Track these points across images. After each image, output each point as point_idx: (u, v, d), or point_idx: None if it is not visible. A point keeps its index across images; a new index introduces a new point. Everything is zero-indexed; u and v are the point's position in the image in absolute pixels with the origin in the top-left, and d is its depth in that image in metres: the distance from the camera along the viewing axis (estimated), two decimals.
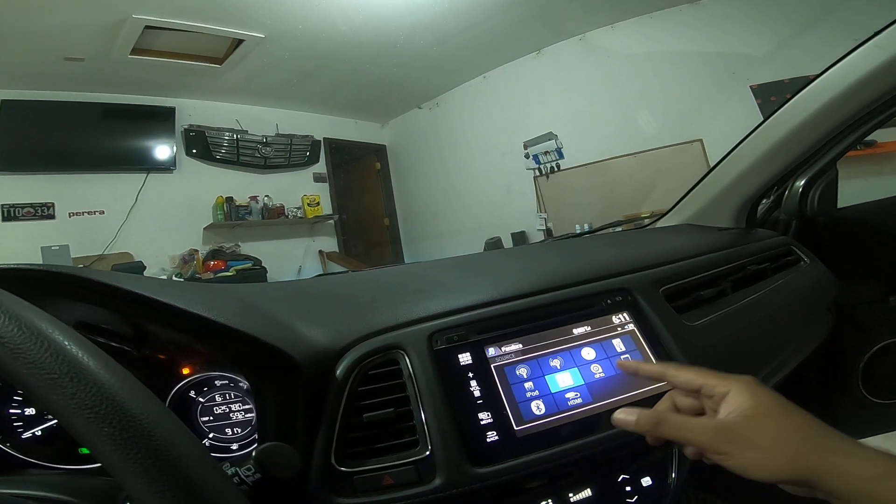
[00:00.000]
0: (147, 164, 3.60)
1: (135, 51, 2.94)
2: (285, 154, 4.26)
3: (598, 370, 0.51)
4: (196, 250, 3.65)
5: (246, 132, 4.04)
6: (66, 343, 0.21)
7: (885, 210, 0.97)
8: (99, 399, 0.20)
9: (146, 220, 3.54)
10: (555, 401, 0.48)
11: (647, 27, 3.35)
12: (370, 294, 0.59)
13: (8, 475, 0.44)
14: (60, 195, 3.26)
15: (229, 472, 0.31)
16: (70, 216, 3.29)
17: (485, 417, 0.46)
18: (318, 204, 4.38)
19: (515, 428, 0.46)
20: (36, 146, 3.13)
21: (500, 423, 0.46)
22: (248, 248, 3.93)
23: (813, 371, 0.91)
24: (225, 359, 0.45)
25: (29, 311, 0.23)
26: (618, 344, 0.54)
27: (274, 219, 4.11)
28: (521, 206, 4.05)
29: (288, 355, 0.41)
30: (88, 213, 3.36)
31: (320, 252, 4.43)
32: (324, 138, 4.58)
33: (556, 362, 0.51)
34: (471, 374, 0.48)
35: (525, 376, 0.49)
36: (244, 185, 4.03)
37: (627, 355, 0.53)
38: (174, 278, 3.43)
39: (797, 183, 0.92)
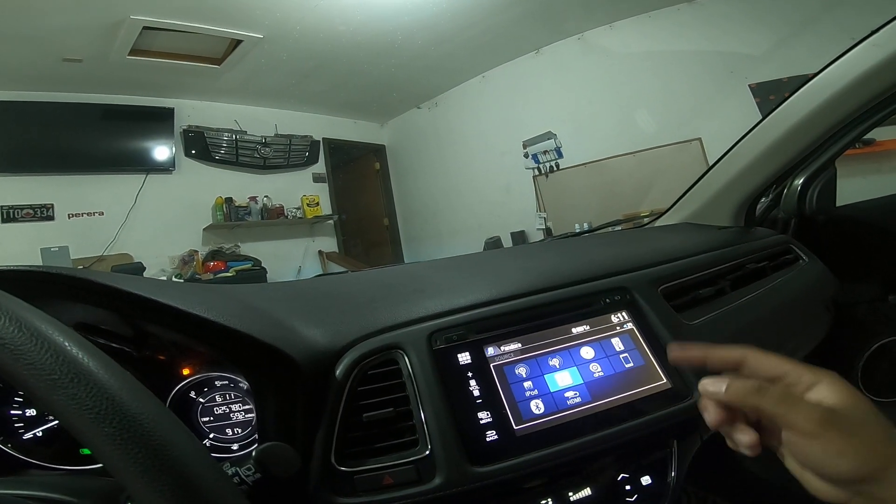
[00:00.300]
0: (146, 165, 3.59)
1: (133, 51, 2.94)
2: (284, 154, 4.26)
3: (596, 369, 0.51)
4: (196, 251, 3.65)
5: (245, 132, 4.04)
6: (67, 344, 0.22)
7: (884, 208, 0.97)
8: (99, 400, 0.20)
9: (145, 221, 3.54)
10: (554, 400, 0.48)
11: (646, 26, 3.35)
12: (369, 294, 0.59)
13: (9, 476, 0.45)
14: (60, 196, 3.26)
15: (229, 471, 0.31)
16: (69, 217, 3.29)
17: (484, 417, 0.46)
18: (317, 204, 4.38)
19: (515, 427, 0.46)
20: (35, 147, 3.13)
21: (500, 422, 0.46)
22: (247, 248, 3.94)
23: None
24: (225, 359, 0.46)
25: (29, 312, 0.23)
26: (616, 343, 0.54)
27: (273, 219, 4.11)
28: (521, 205, 4.06)
29: (287, 355, 0.41)
30: (88, 214, 3.36)
31: (320, 252, 4.43)
32: (323, 138, 4.58)
33: (555, 361, 0.51)
34: (470, 374, 0.48)
35: (524, 375, 0.49)
36: (243, 186, 4.03)
37: (627, 354, 0.53)
38: (174, 279, 3.43)
39: (796, 181, 0.92)
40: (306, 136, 4.40)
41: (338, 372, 0.46)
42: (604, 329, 0.55)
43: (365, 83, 3.96)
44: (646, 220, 1.13)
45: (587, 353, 0.52)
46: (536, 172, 3.97)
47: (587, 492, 0.48)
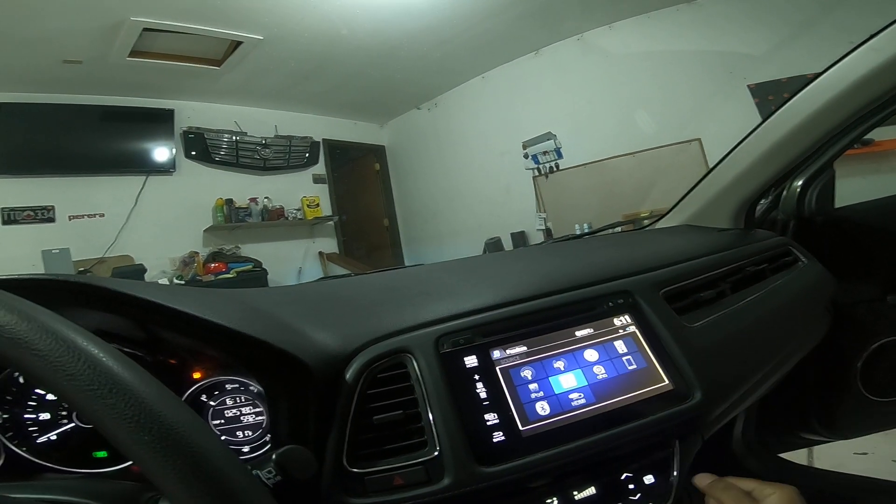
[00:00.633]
0: (146, 167, 3.60)
1: (133, 53, 2.95)
2: (284, 155, 4.27)
3: (600, 371, 0.52)
4: (196, 252, 3.66)
5: (245, 134, 4.05)
6: (101, 355, 0.22)
7: (883, 209, 0.98)
8: (137, 409, 0.21)
9: (146, 223, 3.54)
10: (559, 401, 0.49)
11: (645, 27, 3.36)
12: (375, 297, 0.60)
13: (25, 480, 0.45)
14: (60, 198, 3.26)
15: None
16: (70, 219, 3.30)
17: (491, 418, 0.47)
18: (317, 205, 4.39)
19: (521, 428, 0.47)
20: (35, 149, 3.14)
21: (507, 423, 0.47)
22: (248, 249, 3.94)
23: (812, 370, 0.92)
24: (237, 363, 0.46)
25: (61, 323, 0.24)
26: (619, 345, 0.55)
27: (274, 220, 4.11)
28: (521, 206, 4.07)
29: (299, 360, 0.42)
30: (88, 215, 3.36)
31: (320, 253, 4.44)
32: (323, 139, 4.59)
33: (559, 364, 0.52)
34: (477, 377, 0.49)
35: (530, 378, 0.50)
36: (244, 187, 4.04)
37: (630, 356, 0.54)
38: (175, 281, 3.44)
39: (795, 183, 0.93)
40: (306, 138, 4.40)
41: (348, 375, 0.47)
42: (607, 332, 0.56)
43: (365, 84, 3.97)
44: (646, 221, 1.14)
45: (591, 355, 0.53)
46: (536, 173, 3.98)
47: (592, 490, 0.49)
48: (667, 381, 0.53)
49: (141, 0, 2.49)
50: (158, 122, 3.64)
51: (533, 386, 0.50)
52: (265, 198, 4.10)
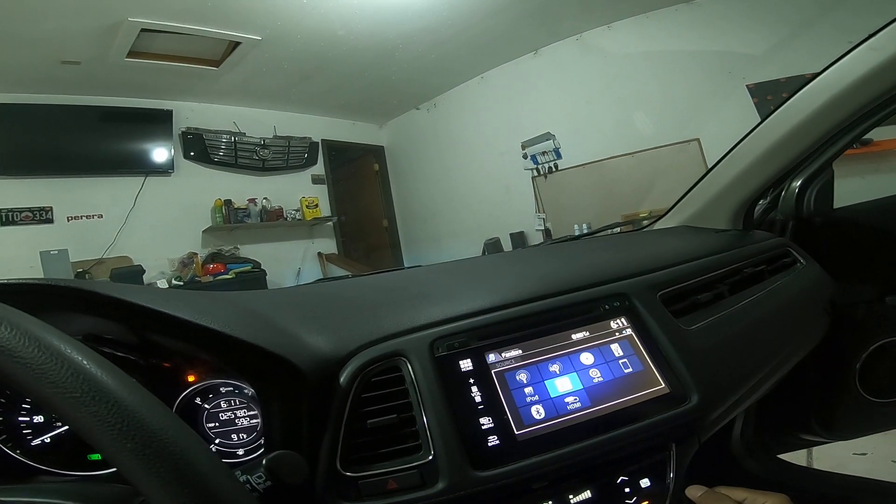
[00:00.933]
0: (145, 168, 3.60)
1: (131, 54, 2.95)
2: (283, 156, 4.27)
3: (596, 375, 0.52)
4: (195, 253, 3.66)
5: (244, 134, 4.04)
6: (85, 362, 0.22)
7: (881, 210, 0.98)
8: (120, 417, 0.21)
9: (145, 224, 3.54)
10: (554, 405, 0.49)
11: (644, 27, 3.36)
12: (371, 299, 0.60)
13: (19, 483, 0.45)
14: (58, 199, 3.26)
15: (241, 479, 0.32)
16: (68, 220, 3.29)
17: (486, 422, 0.46)
18: (316, 206, 4.38)
19: (516, 432, 0.47)
20: (34, 150, 3.14)
21: (502, 427, 0.46)
22: (246, 250, 3.94)
23: (810, 371, 0.92)
24: (230, 367, 0.46)
25: (45, 330, 0.24)
26: (615, 349, 0.54)
27: (272, 221, 4.11)
28: (520, 206, 4.07)
29: (292, 364, 0.42)
30: (87, 216, 3.36)
31: (319, 254, 4.44)
32: (322, 140, 4.58)
33: (555, 367, 0.52)
34: (472, 380, 0.49)
35: (525, 381, 0.50)
36: (242, 188, 4.04)
37: (626, 359, 0.54)
38: (174, 282, 3.43)
39: (793, 184, 0.93)
40: (305, 138, 4.40)
41: (342, 379, 0.46)
42: (603, 335, 0.55)
43: (363, 84, 3.96)
44: (645, 221, 1.14)
45: (587, 358, 0.53)
46: (535, 173, 3.98)
47: (587, 494, 0.48)
48: (663, 385, 0.53)
49: (139, 1, 2.49)
50: (157, 122, 3.63)
51: (528, 390, 0.49)
52: (264, 198, 4.09)
